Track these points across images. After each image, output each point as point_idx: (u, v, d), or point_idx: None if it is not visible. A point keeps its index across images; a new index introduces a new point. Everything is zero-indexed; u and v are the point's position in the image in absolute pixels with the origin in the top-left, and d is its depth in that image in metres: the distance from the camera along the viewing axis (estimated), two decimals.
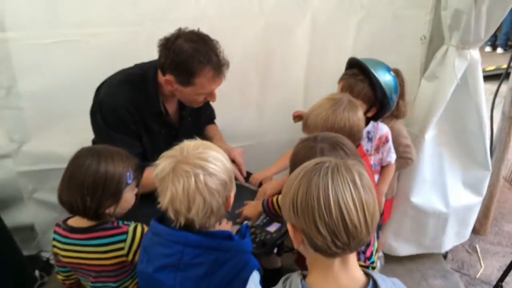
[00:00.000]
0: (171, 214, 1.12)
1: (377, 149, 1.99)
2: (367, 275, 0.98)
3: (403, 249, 2.48)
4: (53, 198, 2.18)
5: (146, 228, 1.40)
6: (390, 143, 2.00)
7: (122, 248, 1.35)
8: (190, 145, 1.16)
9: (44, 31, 1.95)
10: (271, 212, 1.61)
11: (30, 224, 2.33)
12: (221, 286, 1.14)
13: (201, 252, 1.13)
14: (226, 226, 1.37)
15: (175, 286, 1.15)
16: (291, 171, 1.24)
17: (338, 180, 0.88)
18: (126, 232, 1.36)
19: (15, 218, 2.26)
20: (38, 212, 2.30)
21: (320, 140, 1.25)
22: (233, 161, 2.02)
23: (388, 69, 1.90)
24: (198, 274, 1.13)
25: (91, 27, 2.00)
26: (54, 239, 1.40)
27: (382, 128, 1.98)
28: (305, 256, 1.00)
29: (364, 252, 1.37)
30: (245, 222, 1.67)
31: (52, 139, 2.14)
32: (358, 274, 0.97)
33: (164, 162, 1.13)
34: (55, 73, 2.03)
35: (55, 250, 1.41)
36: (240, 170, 1.99)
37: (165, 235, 1.16)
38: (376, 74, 1.83)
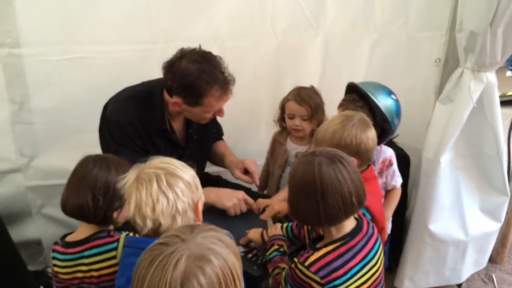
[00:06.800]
0: (139, 221, 1.12)
1: (380, 173, 1.94)
2: None
3: (422, 281, 2.36)
4: (62, 213, 2.20)
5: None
6: (395, 167, 1.95)
7: (114, 257, 1.34)
8: (157, 158, 1.18)
9: (57, 48, 1.97)
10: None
11: (37, 239, 2.31)
12: None
13: None
14: None
15: None
16: (289, 187, 1.27)
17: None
18: (118, 240, 1.36)
19: (22, 232, 2.25)
20: (46, 227, 2.29)
21: (318, 154, 1.25)
22: (246, 170, 2.00)
23: (389, 93, 1.86)
24: None
25: (105, 45, 2.03)
26: (53, 257, 1.39)
27: (386, 151, 1.94)
28: None
29: None
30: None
31: (62, 155, 2.13)
32: None
33: (129, 174, 1.15)
34: (67, 89, 2.05)
35: (56, 269, 1.39)
36: (253, 179, 1.98)
37: (134, 243, 1.17)
38: (375, 99, 1.79)
